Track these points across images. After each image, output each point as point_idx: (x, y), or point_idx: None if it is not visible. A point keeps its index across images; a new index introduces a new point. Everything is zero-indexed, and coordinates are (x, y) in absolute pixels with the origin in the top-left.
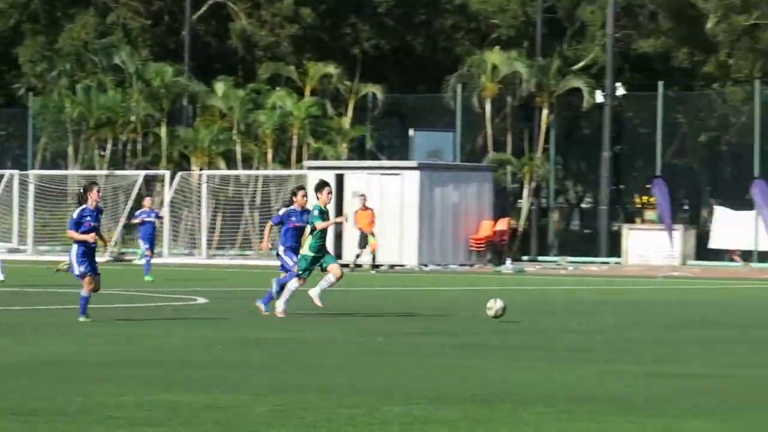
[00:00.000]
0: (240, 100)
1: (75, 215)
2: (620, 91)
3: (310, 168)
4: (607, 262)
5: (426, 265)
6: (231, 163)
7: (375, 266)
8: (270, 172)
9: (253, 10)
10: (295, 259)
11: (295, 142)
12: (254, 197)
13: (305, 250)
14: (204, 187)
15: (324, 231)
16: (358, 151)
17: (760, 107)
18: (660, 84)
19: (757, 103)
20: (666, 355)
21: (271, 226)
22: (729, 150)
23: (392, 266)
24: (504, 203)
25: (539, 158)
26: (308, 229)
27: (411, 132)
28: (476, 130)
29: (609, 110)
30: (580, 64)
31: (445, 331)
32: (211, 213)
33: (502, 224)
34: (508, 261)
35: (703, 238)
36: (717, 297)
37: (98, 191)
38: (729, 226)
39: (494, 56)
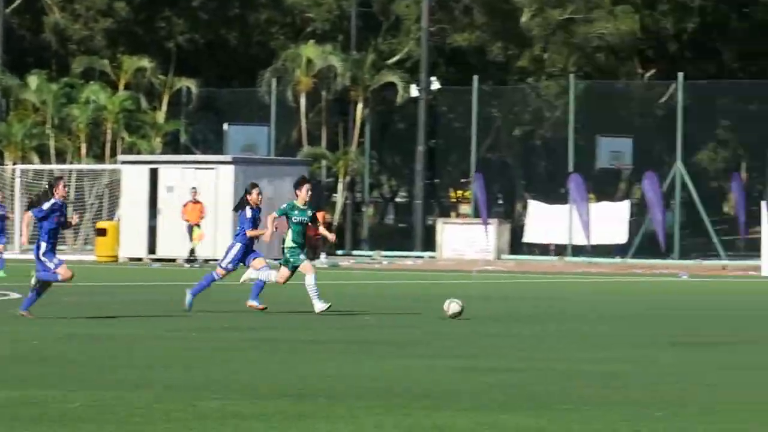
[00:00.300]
0: (53, 94)
1: (45, 207)
2: (435, 85)
3: (124, 162)
4: (421, 257)
5: None
6: (45, 158)
7: (189, 260)
8: (84, 166)
9: (67, 3)
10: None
11: (109, 137)
12: (68, 192)
13: (288, 242)
14: (18, 181)
15: (301, 225)
16: (173, 145)
17: (574, 101)
18: (475, 78)
19: (571, 97)
20: (481, 349)
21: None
22: (543, 144)
23: (207, 260)
24: (319, 197)
25: (354, 152)
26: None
27: (225, 126)
28: (291, 124)
29: (424, 104)
30: (395, 58)
31: (259, 326)
32: (25, 207)
33: (317, 218)
34: (323, 255)
35: (517, 232)
36: (531, 291)
37: (64, 185)
38: (543, 220)
39: (309, 50)
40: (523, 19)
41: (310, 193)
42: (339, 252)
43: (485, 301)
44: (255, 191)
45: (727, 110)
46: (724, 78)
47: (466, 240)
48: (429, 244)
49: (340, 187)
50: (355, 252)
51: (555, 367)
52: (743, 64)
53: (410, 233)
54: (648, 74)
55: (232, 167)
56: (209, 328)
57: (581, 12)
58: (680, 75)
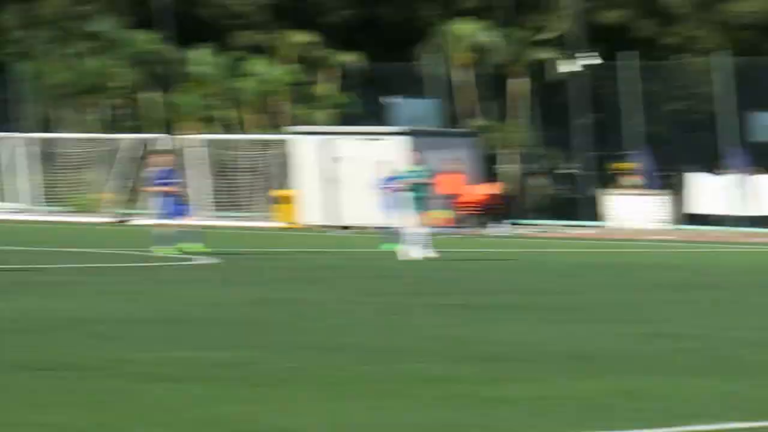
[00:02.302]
0: (221, 67)
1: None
2: (596, 60)
3: (295, 133)
4: (584, 226)
5: None
6: (217, 129)
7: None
8: (259, 136)
9: None
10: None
11: (278, 108)
12: (250, 161)
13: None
14: (204, 151)
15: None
16: (338, 118)
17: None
18: (635, 54)
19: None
20: (655, 315)
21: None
22: (699, 119)
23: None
24: (486, 168)
25: (519, 125)
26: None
27: (391, 99)
28: (448, 98)
29: (584, 79)
30: (546, 35)
31: (432, 291)
32: (213, 177)
33: (492, 189)
34: (498, 224)
35: (679, 203)
36: (707, 261)
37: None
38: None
39: (464, 26)
40: None
41: None
42: (509, 221)
43: (659, 270)
44: None
45: None
46: None
47: (634, 210)
48: (594, 214)
49: (504, 158)
50: (523, 221)
51: (730, 335)
52: None
53: (574, 203)
54: None
55: (405, 138)
56: (390, 293)
57: None
58: None
